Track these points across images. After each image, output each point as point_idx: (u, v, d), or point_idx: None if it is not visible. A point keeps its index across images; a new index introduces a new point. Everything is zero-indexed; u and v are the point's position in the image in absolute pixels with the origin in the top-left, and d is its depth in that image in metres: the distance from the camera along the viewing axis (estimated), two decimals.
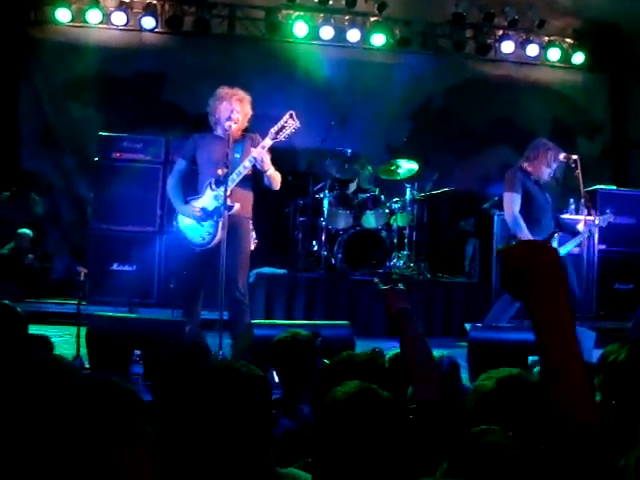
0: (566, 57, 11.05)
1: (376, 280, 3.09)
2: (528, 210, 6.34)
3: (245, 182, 5.92)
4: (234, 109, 5.94)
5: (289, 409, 3.22)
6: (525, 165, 6.51)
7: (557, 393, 1.49)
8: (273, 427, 2.19)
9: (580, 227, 6.73)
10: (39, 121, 10.10)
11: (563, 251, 6.49)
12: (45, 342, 3.80)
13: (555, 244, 6.45)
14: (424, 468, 1.95)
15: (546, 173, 6.47)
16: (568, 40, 11.05)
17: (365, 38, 10.47)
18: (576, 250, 8.02)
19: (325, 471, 1.85)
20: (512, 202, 6.33)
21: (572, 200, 8.53)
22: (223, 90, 6.06)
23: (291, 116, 5.94)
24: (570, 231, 6.77)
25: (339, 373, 2.45)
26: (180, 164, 6.22)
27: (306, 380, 3.36)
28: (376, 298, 3.19)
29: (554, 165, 6.48)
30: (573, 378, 1.49)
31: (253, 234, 6.06)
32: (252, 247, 6.05)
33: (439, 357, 3.32)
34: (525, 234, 6.21)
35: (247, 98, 6.06)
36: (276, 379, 3.50)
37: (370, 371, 2.50)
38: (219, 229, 5.81)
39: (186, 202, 6.05)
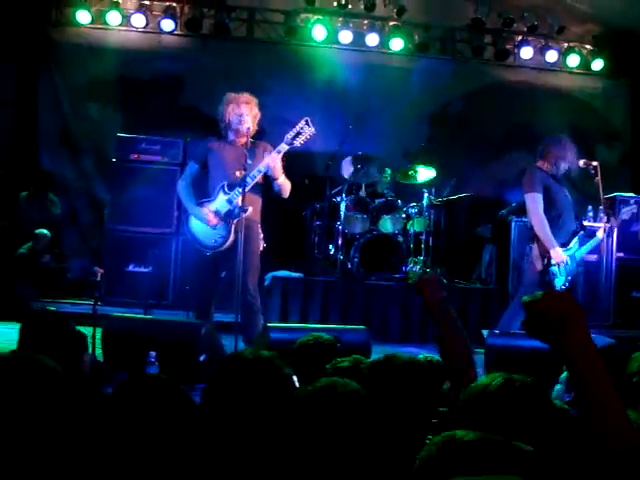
0: (585, 63, 10.98)
1: (412, 272, 3.13)
2: (549, 208, 6.27)
3: (255, 187, 5.93)
4: (243, 112, 5.96)
5: None
6: (540, 164, 6.45)
7: (599, 423, 1.65)
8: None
9: (599, 234, 6.66)
10: (58, 122, 10.15)
11: (579, 254, 6.45)
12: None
13: (576, 244, 6.40)
14: None
15: (562, 165, 6.40)
16: (587, 46, 10.98)
17: (384, 42, 10.43)
18: (594, 257, 7.98)
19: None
20: (535, 202, 6.24)
21: (590, 207, 8.48)
22: (230, 95, 6.08)
23: (307, 122, 5.93)
24: (589, 236, 6.72)
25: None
26: (192, 167, 6.23)
27: None
28: (414, 290, 3.15)
29: (569, 156, 6.40)
30: (612, 407, 1.66)
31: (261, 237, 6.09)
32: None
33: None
34: (548, 238, 6.16)
35: (254, 100, 6.06)
36: (296, 383, 3.47)
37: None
38: (231, 232, 5.83)
39: (198, 205, 6.06)
